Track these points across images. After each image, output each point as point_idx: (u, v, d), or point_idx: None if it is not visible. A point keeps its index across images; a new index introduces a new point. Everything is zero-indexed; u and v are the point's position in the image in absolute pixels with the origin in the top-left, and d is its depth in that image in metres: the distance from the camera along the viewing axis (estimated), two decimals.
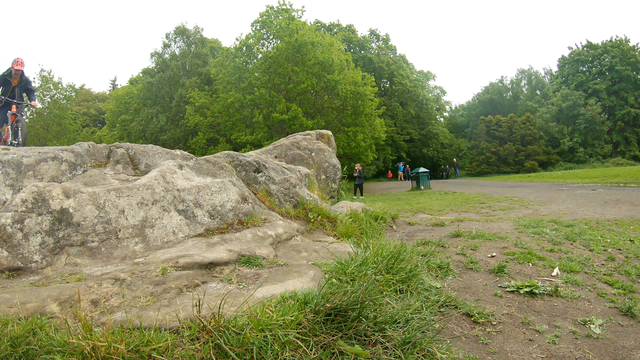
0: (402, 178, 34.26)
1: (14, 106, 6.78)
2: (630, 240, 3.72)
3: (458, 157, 41.61)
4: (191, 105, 23.73)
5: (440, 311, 1.90)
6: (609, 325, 2.02)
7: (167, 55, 28.98)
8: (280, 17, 21.73)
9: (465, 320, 1.93)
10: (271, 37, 22.24)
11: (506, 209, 7.15)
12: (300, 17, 22.74)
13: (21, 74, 6.73)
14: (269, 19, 22.30)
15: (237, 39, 23.32)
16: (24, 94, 6.99)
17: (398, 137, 39.45)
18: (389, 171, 37.44)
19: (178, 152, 3.11)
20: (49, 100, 27.17)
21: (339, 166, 5.74)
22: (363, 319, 1.40)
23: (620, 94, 40.65)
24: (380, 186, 25.26)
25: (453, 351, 1.55)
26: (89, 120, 36.93)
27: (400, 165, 36.16)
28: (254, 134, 20.44)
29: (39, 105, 7.77)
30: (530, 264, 2.75)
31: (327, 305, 1.36)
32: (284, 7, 22.58)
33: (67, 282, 1.62)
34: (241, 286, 1.75)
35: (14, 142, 6.50)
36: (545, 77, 51.40)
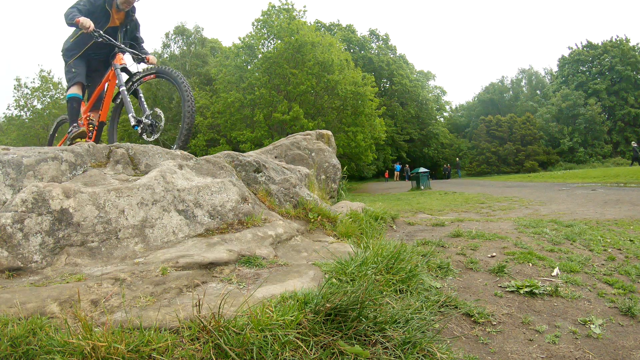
0: (398, 178, 34.35)
1: (118, 56, 3.79)
2: (630, 240, 3.72)
3: (459, 157, 41.68)
4: None
5: (440, 311, 1.90)
6: (609, 325, 2.02)
7: (166, 56, 28.99)
8: (282, 17, 21.71)
9: (465, 320, 1.93)
10: (272, 36, 22.23)
11: (506, 209, 7.15)
12: (302, 17, 22.72)
13: (130, 11, 3.90)
14: (270, 18, 22.27)
15: (239, 39, 23.29)
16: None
17: (398, 137, 39.48)
18: (386, 171, 37.53)
19: (178, 152, 3.11)
20: (49, 100, 27.21)
21: (339, 166, 5.74)
22: (363, 319, 1.40)
23: (620, 94, 40.67)
24: (380, 186, 25.25)
25: (453, 351, 1.55)
26: None
27: (397, 165, 36.25)
28: (255, 132, 20.44)
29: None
30: (530, 264, 2.75)
31: (327, 305, 1.36)
32: (286, 6, 22.56)
33: (67, 282, 1.62)
34: (241, 286, 1.75)
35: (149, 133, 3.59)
36: (545, 77, 51.44)
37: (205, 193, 2.50)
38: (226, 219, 2.49)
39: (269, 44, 22.56)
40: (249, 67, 22.83)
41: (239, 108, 21.22)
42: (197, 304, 1.32)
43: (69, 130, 3.96)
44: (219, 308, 1.29)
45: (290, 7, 22.58)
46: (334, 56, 20.58)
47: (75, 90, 3.82)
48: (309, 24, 23.33)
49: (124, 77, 3.84)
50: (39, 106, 27.06)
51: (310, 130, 7.19)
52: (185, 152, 3.12)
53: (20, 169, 2.28)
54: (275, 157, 5.05)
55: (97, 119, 4.09)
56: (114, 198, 2.15)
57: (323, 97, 21.53)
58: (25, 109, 26.97)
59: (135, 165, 2.83)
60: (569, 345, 1.78)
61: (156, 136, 3.64)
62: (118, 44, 3.82)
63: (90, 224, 2.01)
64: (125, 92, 3.73)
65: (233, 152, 3.39)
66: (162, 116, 3.64)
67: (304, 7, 28.12)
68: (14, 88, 26.99)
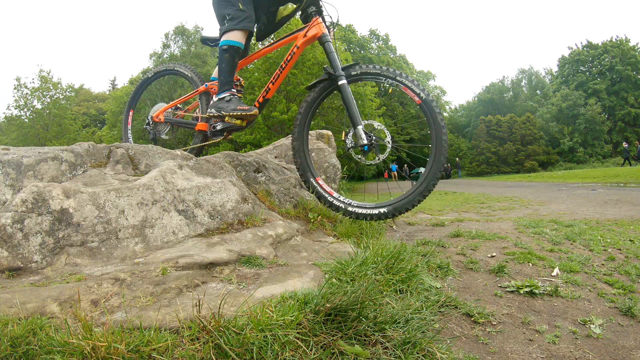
0: (396, 178, 34.40)
1: (319, 20, 2.70)
2: (630, 240, 3.72)
3: (459, 157, 41.78)
4: None
5: (440, 311, 1.90)
6: (609, 325, 2.02)
7: (166, 56, 29.02)
8: None
9: (465, 320, 1.93)
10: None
11: (506, 209, 7.15)
12: None
13: None
14: None
15: None
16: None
17: (398, 137, 39.52)
18: (385, 172, 37.62)
19: (178, 152, 3.10)
20: (49, 100, 27.25)
21: (339, 166, 5.73)
22: (363, 319, 1.40)
23: (620, 94, 40.71)
24: (380, 186, 25.24)
25: (453, 351, 1.55)
26: (89, 120, 36.97)
27: (393, 165, 36.28)
28: (254, 134, 20.45)
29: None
30: (530, 264, 2.75)
31: (327, 305, 1.36)
32: None
33: (67, 282, 1.62)
34: (241, 286, 1.75)
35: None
36: (545, 77, 51.53)
37: (205, 193, 2.50)
38: (226, 219, 2.49)
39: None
40: (249, 67, 22.87)
41: None
42: (197, 304, 1.32)
43: (221, 96, 2.79)
44: (219, 308, 1.29)
45: None
46: None
47: (238, 37, 2.59)
48: None
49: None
50: (39, 106, 27.09)
51: (310, 130, 7.16)
52: (186, 152, 3.12)
53: (20, 169, 2.28)
54: (276, 157, 5.05)
55: (264, 95, 2.84)
56: (114, 198, 2.15)
57: None
58: (25, 109, 27.01)
59: (135, 165, 2.83)
60: (569, 345, 1.78)
61: (375, 160, 2.40)
62: None
63: (90, 224, 2.01)
64: (348, 87, 2.37)
65: (233, 152, 3.39)
66: (389, 139, 2.32)
67: None
68: (14, 88, 27.00)
